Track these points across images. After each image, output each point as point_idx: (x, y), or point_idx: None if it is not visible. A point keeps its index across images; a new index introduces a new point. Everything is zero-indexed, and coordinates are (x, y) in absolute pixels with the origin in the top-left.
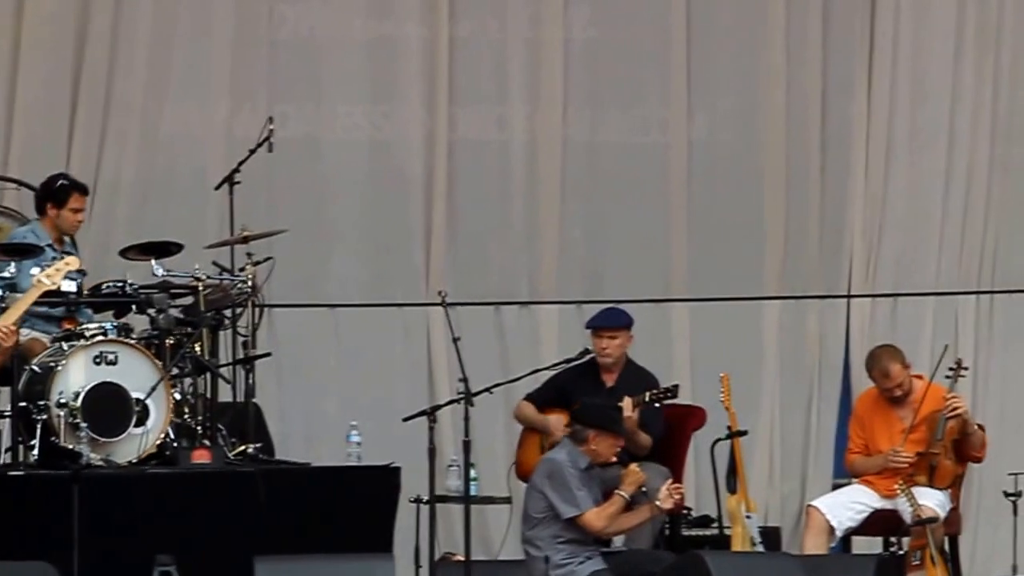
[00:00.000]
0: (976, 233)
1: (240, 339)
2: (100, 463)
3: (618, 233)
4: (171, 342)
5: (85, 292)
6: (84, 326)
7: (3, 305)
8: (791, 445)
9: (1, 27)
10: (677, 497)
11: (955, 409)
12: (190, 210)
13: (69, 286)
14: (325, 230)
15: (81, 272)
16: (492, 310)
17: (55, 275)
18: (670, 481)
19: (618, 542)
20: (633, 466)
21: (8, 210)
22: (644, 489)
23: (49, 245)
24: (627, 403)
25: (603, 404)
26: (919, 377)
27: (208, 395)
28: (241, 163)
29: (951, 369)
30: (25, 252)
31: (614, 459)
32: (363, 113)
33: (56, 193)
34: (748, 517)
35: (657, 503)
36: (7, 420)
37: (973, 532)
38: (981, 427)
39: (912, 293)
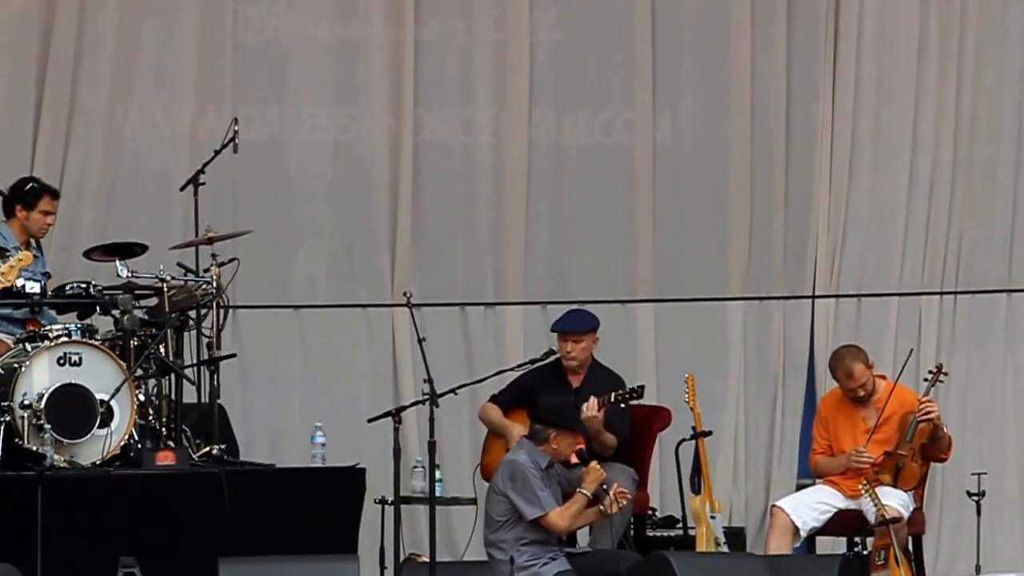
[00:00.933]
0: (940, 234)
1: (205, 340)
2: (64, 465)
3: (583, 234)
4: (135, 343)
5: (49, 293)
6: (48, 327)
7: None
8: (756, 445)
9: None
10: (623, 503)
11: (927, 413)
12: (155, 211)
13: (33, 287)
14: (290, 231)
15: (46, 274)
16: (457, 311)
17: (9, 272)
18: (615, 486)
19: (582, 542)
20: (594, 463)
21: None
22: (604, 486)
23: (16, 247)
24: (591, 403)
25: (561, 402)
26: (882, 377)
27: (172, 396)
28: (206, 164)
29: (931, 373)
30: None
31: (575, 459)
32: (328, 115)
33: (26, 196)
34: (713, 518)
35: (601, 508)
36: None
37: (936, 532)
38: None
39: (876, 294)
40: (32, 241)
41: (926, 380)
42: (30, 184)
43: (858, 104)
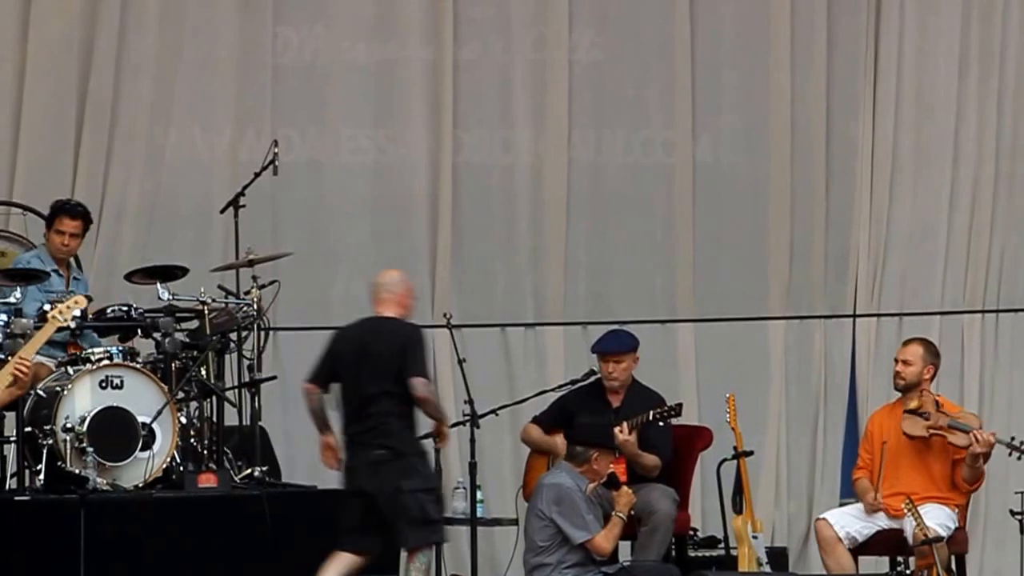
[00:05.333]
0: (981, 251)
1: (246, 362)
2: (106, 487)
3: (623, 254)
4: (177, 366)
5: (90, 316)
6: (90, 350)
7: (8, 330)
8: (797, 465)
9: (6, 53)
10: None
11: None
12: (195, 234)
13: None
14: (330, 253)
15: (87, 297)
16: (498, 332)
17: (66, 312)
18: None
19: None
20: (625, 488)
21: (13, 235)
22: (632, 511)
23: (55, 270)
24: (623, 428)
25: (600, 423)
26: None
27: (214, 419)
28: (246, 187)
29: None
30: (30, 277)
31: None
32: (367, 136)
33: (48, 216)
34: (755, 537)
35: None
36: (13, 445)
37: (980, 551)
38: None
39: (918, 312)
40: (73, 263)
41: (1008, 446)
42: (54, 203)
43: (899, 122)
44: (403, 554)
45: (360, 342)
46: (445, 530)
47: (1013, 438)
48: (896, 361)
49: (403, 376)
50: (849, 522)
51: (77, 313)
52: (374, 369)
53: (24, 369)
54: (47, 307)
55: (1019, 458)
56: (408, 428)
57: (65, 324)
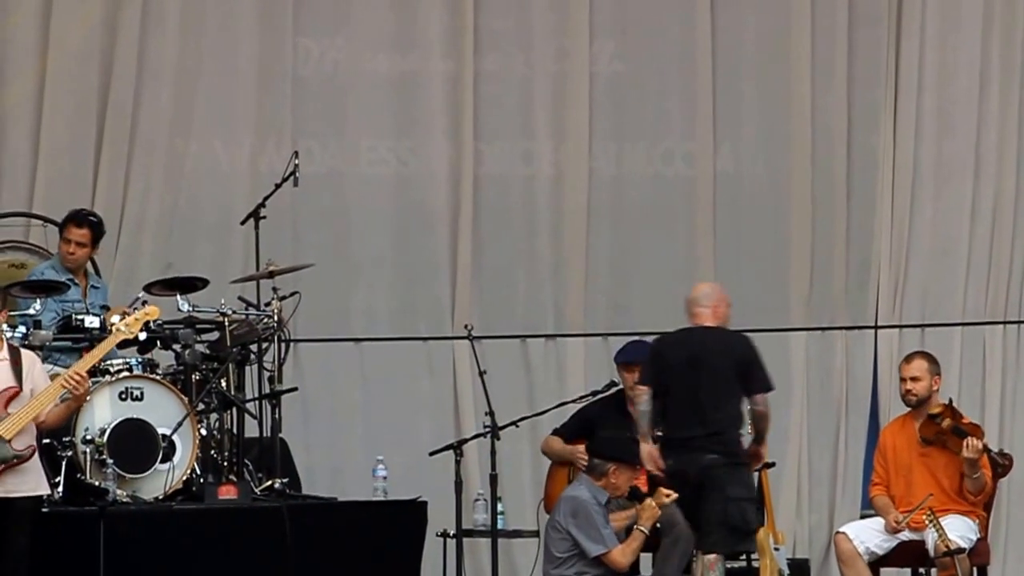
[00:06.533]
0: (1003, 263)
1: (266, 374)
2: (126, 499)
3: (644, 265)
4: (197, 377)
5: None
6: (109, 362)
7: (26, 342)
8: (819, 477)
9: (27, 64)
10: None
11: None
12: (215, 245)
13: (92, 321)
14: (351, 264)
15: (105, 307)
16: (518, 343)
17: (134, 324)
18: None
19: (645, 575)
20: (649, 501)
21: (33, 246)
22: (658, 524)
23: (70, 279)
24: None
25: (619, 436)
26: (976, 427)
27: (234, 430)
28: (266, 198)
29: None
30: (50, 289)
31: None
32: (388, 148)
33: (59, 226)
34: (776, 549)
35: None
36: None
37: (1002, 562)
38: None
39: (939, 324)
40: (91, 273)
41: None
42: (67, 213)
43: (920, 133)
44: (703, 557)
45: (690, 352)
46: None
47: (1001, 450)
48: (904, 380)
49: (741, 387)
50: (869, 536)
51: (79, 307)
52: (711, 379)
53: (76, 381)
54: (115, 318)
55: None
56: (739, 437)
57: (131, 336)
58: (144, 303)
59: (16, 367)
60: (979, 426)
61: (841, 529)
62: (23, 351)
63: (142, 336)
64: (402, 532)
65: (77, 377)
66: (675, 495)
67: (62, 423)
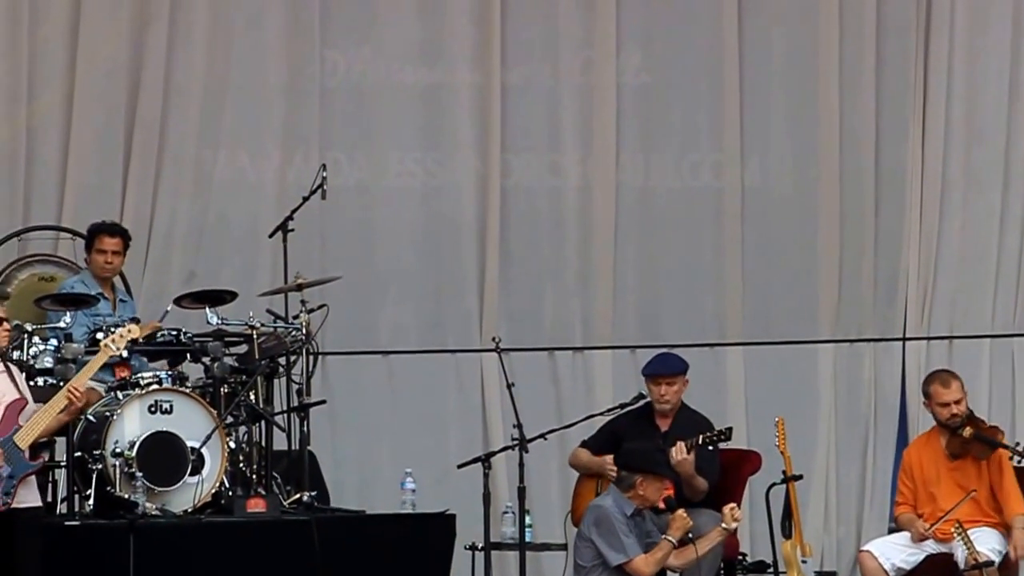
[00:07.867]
0: None
1: (294, 387)
2: (156, 512)
3: (672, 277)
4: (226, 390)
5: (141, 339)
6: (139, 375)
7: (59, 355)
8: (847, 489)
9: (55, 79)
10: (739, 514)
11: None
12: (244, 258)
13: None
14: (378, 277)
15: (135, 320)
16: (546, 356)
17: (119, 341)
18: (732, 505)
19: None
20: (680, 511)
21: (62, 260)
22: (690, 535)
23: (100, 293)
24: (679, 447)
25: (648, 447)
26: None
27: (263, 443)
28: (294, 211)
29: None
30: (80, 302)
31: (662, 504)
32: (415, 160)
33: (87, 237)
34: (804, 562)
35: (723, 526)
36: (63, 470)
37: None
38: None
39: (968, 335)
40: (119, 286)
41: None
42: (91, 226)
43: (948, 144)
44: None
45: None
46: None
47: (1018, 443)
48: (946, 404)
49: None
50: (894, 552)
51: (111, 321)
52: None
53: (77, 395)
54: (100, 335)
55: (1019, 462)
56: None
57: (118, 352)
58: (165, 313)
59: (13, 379)
60: (998, 427)
61: (865, 547)
62: (9, 364)
63: (124, 353)
64: (430, 545)
65: (75, 392)
66: (740, 514)
67: (54, 434)
